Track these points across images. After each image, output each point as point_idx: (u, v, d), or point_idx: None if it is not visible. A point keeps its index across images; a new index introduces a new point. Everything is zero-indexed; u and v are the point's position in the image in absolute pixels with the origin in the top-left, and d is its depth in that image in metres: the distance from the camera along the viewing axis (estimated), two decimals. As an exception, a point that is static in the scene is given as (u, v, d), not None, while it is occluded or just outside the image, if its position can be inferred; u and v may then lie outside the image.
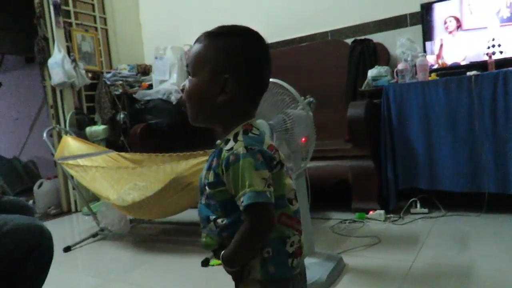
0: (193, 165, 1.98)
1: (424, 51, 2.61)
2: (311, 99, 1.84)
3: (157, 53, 3.73)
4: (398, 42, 2.91)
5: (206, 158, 1.93)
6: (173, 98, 3.46)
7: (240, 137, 0.74)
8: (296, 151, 1.66)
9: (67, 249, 2.34)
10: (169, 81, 3.65)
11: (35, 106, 5.40)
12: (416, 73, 2.49)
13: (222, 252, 0.78)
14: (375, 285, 1.54)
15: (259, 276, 0.75)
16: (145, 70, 4.02)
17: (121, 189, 2.28)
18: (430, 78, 2.38)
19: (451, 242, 1.93)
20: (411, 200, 2.40)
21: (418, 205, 2.39)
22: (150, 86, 3.76)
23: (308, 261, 1.61)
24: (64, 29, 3.51)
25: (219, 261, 1.45)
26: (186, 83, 0.80)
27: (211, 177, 0.77)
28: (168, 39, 3.91)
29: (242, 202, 0.69)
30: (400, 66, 2.50)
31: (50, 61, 3.35)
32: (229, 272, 0.80)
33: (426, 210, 2.36)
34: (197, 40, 0.81)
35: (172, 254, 2.11)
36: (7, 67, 5.48)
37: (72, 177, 2.67)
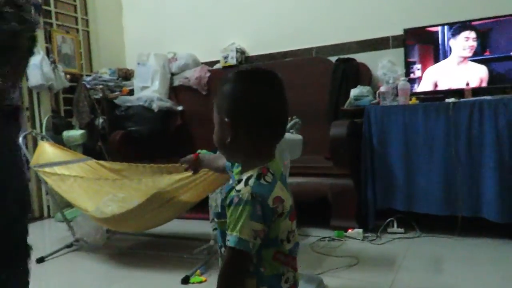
0: (175, 180, 1.96)
1: (406, 74, 2.69)
2: (297, 119, 1.87)
3: (140, 59, 3.69)
4: (380, 64, 2.99)
5: (189, 174, 1.93)
6: (155, 106, 3.42)
7: (250, 182, 0.78)
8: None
9: (40, 260, 2.26)
10: (151, 88, 3.62)
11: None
12: (397, 96, 2.56)
13: None
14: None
15: None
16: (126, 75, 3.95)
17: (99, 200, 2.22)
18: (410, 102, 2.46)
19: (427, 264, 1.98)
20: (388, 220, 2.46)
21: (395, 225, 2.45)
22: (131, 92, 3.72)
23: (289, 282, 1.63)
24: (44, 30, 3.42)
25: (201, 278, 1.45)
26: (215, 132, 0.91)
27: (219, 208, 0.84)
28: (151, 45, 3.87)
29: (228, 241, 0.76)
30: (382, 89, 2.57)
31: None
32: None
33: (402, 230, 2.42)
34: (223, 87, 0.88)
35: (151, 270, 2.08)
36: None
37: (46, 183, 2.59)
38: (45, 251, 2.39)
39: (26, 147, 3.02)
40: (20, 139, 2.66)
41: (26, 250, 1.07)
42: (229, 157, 0.90)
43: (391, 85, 2.58)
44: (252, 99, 0.82)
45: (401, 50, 2.87)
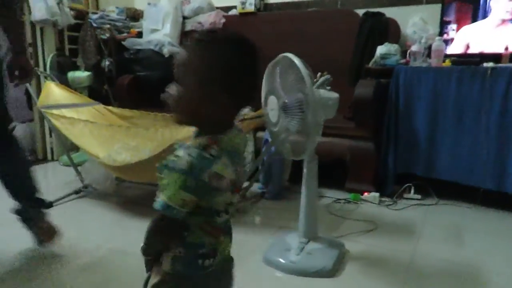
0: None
1: (440, 34, 2.51)
2: (328, 75, 1.73)
3: (152, -1, 3.44)
4: (411, 21, 2.80)
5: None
6: (166, 51, 3.24)
7: (193, 152, 0.72)
8: (310, 134, 1.56)
9: (49, 205, 2.20)
10: (161, 31, 3.41)
11: (4, 41, 4.95)
12: (428, 56, 2.41)
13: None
14: (379, 276, 1.53)
15: (167, 269, 0.82)
16: (135, 16, 3.72)
17: (111, 147, 2.13)
18: (443, 64, 2.31)
19: (447, 234, 1.94)
20: (405, 185, 2.40)
21: (412, 191, 2.39)
22: (139, 34, 3.51)
23: (311, 246, 1.59)
24: (48, -41, 3.14)
25: None
26: (172, 88, 0.79)
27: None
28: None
29: (155, 202, 0.74)
30: (414, 48, 2.40)
31: (31, -6, 3.01)
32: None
33: (419, 197, 2.37)
34: (186, 47, 0.81)
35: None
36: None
37: (53, 125, 2.47)
38: (53, 196, 2.31)
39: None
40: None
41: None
42: (195, 125, 0.81)
43: (423, 45, 2.41)
44: (240, 68, 0.77)
45: (435, 7, 2.67)
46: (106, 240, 1.85)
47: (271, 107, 1.51)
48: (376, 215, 2.13)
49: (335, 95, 1.55)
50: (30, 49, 3.21)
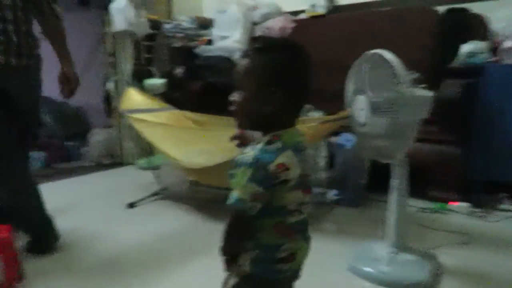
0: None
1: (538, 28, 2.27)
2: (417, 74, 1.61)
3: (221, 6, 3.51)
4: (500, 15, 2.57)
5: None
6: (236, 57, 3.26)
7: (258, 146, 0.79)
8: (402, 136, 1.46)
9: (131, 205, 2.29)
10: (231, 38, 3.45)
11: (85, 53, 5.32)
12: (524, 53, 2.19)
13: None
14: (482, 294, 1.38)
15: (247, 269, 0.83)
16: (205, 24, 3.81)
17: (188, 150, 2.17)
18: (544, 61, 2.08)
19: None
20: (501, 195, 2.18)
21: (508, 202, 2.17)
22: (209, 42, 3.58)
23: (402, 257, 1.48)
24: (127, -27, 3.32)
25: None
26: (235, 95, 0.85)
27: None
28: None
29: (229, 199, 0.79)
30: (506, 44, 2.20)
31: (113, 7, 3.19)
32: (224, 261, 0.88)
33: (516, 208, 2.14)
34: (244, 56, 0.85)
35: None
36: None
37: (135, 129, 2.59)
38: (132, 197, 2.41)
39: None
40: (109, 83, 2.66)
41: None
42: (257, 128, 0.86)
43: (517, 40, 2.20)
44: (295, 67, 0.83)
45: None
46: (182, 240, 1.87)
47: (360, 107, 1.43)
48: (468, 227, 1.95)
49: (429, 93, 1.43)
50: (111, 59, 3.42)
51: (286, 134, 0.81)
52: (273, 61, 0.81)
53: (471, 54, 2.38)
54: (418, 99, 1.40)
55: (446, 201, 2.21)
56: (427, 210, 2.18)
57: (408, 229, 1.59)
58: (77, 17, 5.26)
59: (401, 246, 1.52)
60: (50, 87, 5.32)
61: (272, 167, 0.76)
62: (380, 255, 1.51)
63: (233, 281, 0.87)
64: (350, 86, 1.54)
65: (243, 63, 0.84)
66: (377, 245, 1.58)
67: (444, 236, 1.85)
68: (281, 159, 0.77)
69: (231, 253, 0.86)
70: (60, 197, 2.59)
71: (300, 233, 0.85)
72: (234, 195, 0.77)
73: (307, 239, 0.87)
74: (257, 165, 0.76)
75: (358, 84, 1.46)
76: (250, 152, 0.78)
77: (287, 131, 0.82)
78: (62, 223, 1.83)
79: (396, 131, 1.39)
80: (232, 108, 0.85)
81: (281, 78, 0.81)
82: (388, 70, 1.39)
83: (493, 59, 2.30)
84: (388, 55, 1.35)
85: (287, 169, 0.78)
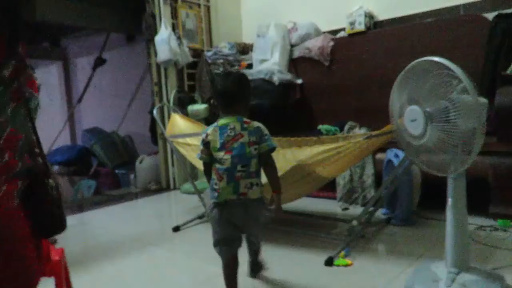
0: (318, 152, 1.78)
1: None
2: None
3: (260, 31, 3.57)
4: (556, 17, 2.40)
5: (332, 146, 1.73)
6: (276, 79, 3.28)
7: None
8: (457, 146, 1.36)
9: (176, 228, 2.31)
10: (270, 61, 3.48)
11: (133, 84, 5.61)
12: None
13: None
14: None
15: None
16: (244, 49, 3.88)
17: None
18: None
19: None
20: None
21: None
22: (249, 66, 3.64)
23: (464, 278, 1.35)
24: (170, 6, 3.49)
25: (346, 261, 1.73)
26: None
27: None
28: (267, 16, 3.73)
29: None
30: None
31: (157, 38, 3.35)
32: None
33: None
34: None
35: (288, 247, 1.95)
36: (110, 45, 5.73)
37: (177, 154, 2.63)
38: (177, 221, 2.43)
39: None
40: (154, 111, 2.75)
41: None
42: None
43: None
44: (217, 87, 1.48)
45: None
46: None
47: (412, 117, 1.36)
48: (537, 245, 1.77)
49: (483, 100, 1.34)
50: (156, 88, 3.56)
51: (221, 119, 1.43)
52: (248, 85, 1.53)
53: (527, 60, 2.23)
54: (473, 107, 1.31)
55: (509, 217, 2.03)
56: (489, 228, 2.01)
57: (469, 248, 1.47)
58: (126, 51, 5.60)
59: (463, 266, 1.39)
60: (101, 119, 5.61)
61: (204, 135, 1.44)
62: (439, 276, 1.39)
63: None
64: (397, 98, 1.47)
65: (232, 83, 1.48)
66: (436, 265, 1.46)
67: (509, 255, 1.68)
68: (208, 131, 1.43)
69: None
70: (110, 222, 2.68)
71: (226, 178, 1.38)
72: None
73: (231, 181, 1.37)
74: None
75: (409, 94, 1.40)
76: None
77: (222, 117, 1.43)
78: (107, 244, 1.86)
79: (452, 142, 1.31)
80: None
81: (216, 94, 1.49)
82: (441, 78, 1.33)
83: (552, 63, 2.14)
84: (445, 60, 1.29)
85: (207, 135, 1.42)
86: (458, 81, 1.33)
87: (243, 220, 1.41)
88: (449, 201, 1.41)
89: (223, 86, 1.44)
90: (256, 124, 1.43)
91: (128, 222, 2.67)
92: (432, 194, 2.10)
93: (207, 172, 1.45)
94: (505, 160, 2.09)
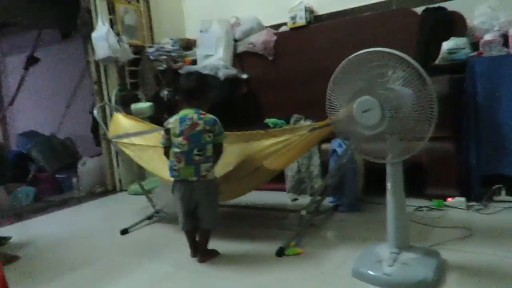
0: (265, 146, 1.80)
1: (515, 19, 2.31)
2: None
3: (203, 26, 3.53)
4: (477, 11, 2.61)
5: (279, 139, 1.77)
6: (221, 74, 3.27)
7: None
8: (395, 133, 1.45)
9: (124, 231, 2.24)
10: (215, 56, 3.46)
11: (71, 83, 5.31)
12: (504, 45, 2.21)
13: None
14: (491, 287, 1.35)
15: None
16: (188, 45, 3.82)
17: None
18: (525, 50, 2.11)
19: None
20: (495, 186, 2.17)
21: (503, 193, 2.16)
22: (193, 62, 3.59)
23: (405, 256, 1.45)
24: (106, 1, 3.34)
25: (297, 250, 1.79)
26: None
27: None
28: (210, 12, 3.71)
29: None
30: (488, 37, 2.23)
31: (94, 35, 3.20)
32: None
33: (512, 198, 2.13)
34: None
35: (240, 241, 1.97)
36: (44, 43, 5.38)
37: (122, 155, 2.55)
38: (125, 223, 2.36)
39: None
40: (95, 111, 2.63)
41: None
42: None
43: (496, 33, 2.23)
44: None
45: (503, -7, 2.48)
46: (183, 262, 1.81)
47: (363, 108, 1.39)
48: (468, 221, 1.93)
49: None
50: (96, 87, 3.40)
51: (182, 112, 1.72)
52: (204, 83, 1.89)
53: (453, 51, 2.41)
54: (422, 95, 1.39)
55: (443, 197, 2.20)
56: (425, 208, 2.16)
57: (409, 228, 1.57)
58: (61, 49, 5.28)
59: (403, 246, 1.49)
60: (37, 121, 5.28)
61: (166, 123, 1.75)
62: (383, 257, 1.47)
63: None
64: (340, 89, 1.51)
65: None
66: (380, 247, 1.55)
67: (444, 232, 1.82)
68: (170, 120, 1.73)
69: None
70: (53, 229, 2.54)
71: (184, 160, 1.67)
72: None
73: (189, 164, 1.67)
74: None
75: (356, 85, 1.44)
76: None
77: (183, 111, 1.72)
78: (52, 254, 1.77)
79: (398, 130, 1.39)
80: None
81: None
82: (379, 69, 1.40)
83: (474, 53, 2.32)
84: (399, 52, 1.35)
85: (169, 124, 1.72)
86: (392, 72, 1.41)
87: (202, 196, 1.70)
88: (388, 185, 1.50)
89: (185, 84, 1.78)
90: (212, 116, 1.74)
91: (73, 228, 2.54)
92: (376, 180, 2.21)
93: (167, 154, 1.75)
94: (437, 145, 2.23)
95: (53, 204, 3.27)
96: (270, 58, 3.38)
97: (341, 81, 1.51)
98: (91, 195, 3.43)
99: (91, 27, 3.28)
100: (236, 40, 3.53)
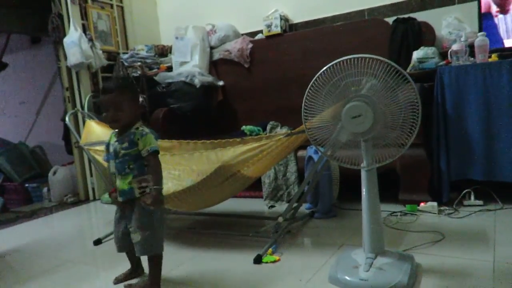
0: (241, 152, 1.80)
1: (480, 30, 2.41)
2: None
3: (178, 33, 3.52)
4: (444, 22, 2.73)
5: (255, 145, 1.77)
6: (197, 81, 3.26)
7: (147, 129, 1.54)
8: (380, 138, 1.47)
9: (97, 241, 2.18)
10: (190, 63, 3.46)
11: (41, 89, 5.17)
12: (470, 54, 2.31)
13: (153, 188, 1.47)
14: (462, 289, 1.39)
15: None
16: (163, 52, 3.80)
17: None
18: (490, 60, 2.20)
19: (523, 238, 1.77)
20: (464, 191, 2.24)
21: (472, 197, 2.24)
22: (169, 68, 3.57)
23: (380, 261, 1.47)
24: (79, 6, 3.28)
25: (274, 257, 1.74)
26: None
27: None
28: (186, 18, 3.70)
29: (151, 148, 1.48)
30: (454, 47, 2.31)
31: (66, 40, 3.13)
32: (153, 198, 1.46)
33: (481, 202, 2.21)
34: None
35: (218, 250, 1.95)
36: (12, 47, 5.22)
37: (95, 163, 2.49)
38: (99, 233, 2.30)
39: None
40: (67, 118, 2.56)
41: None
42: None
43: (463, 43, 2.32)
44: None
45: (468, 5, 2.60)
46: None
47: (353, 114, 1.40)
48: (440, 225, 1.98)
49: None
50: (68, 93, 3.32)
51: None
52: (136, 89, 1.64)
53: (423, 60, 2.49)
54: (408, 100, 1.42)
55: (416, 202, 2.25)
56: (399, 213, 2.20)
57: (383, 233, 1.60)
58: (31, 55, 5.14)
59: (379, 250, 1.51)
60: (5, 129, 5.11)
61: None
62: (359, 262, 1.49)
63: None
64: (321, 96, 1.50)
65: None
66: (355, 252, 1.57)
67: (418, 236, 1.86)
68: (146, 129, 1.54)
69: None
70: (21, 241, 2.44)
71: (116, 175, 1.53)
72: (154, 146, 1.48)
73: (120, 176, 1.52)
74: (153, 134, 1.53)
75: (341, 91, 1.45)
76: (146, 130, 1.52)
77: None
78: (21, 268, 1.70)
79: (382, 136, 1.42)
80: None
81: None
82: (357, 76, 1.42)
83: (443, 63, 2.41)
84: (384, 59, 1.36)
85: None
86: (366, 80, 1.44)
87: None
88: (363, 191, 1.52)
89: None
90: None
91: (43, 240, 2.45)
92: (351, 186, 2.25)
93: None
94: (409, 151, 2.28)
95: (22, 215, 3.15)
96: (246, 65, 3.40)
97: (321, 87, 1.51)
98: (63, 205, 3.33)
99: (62, 33, 3.21)
100: (212, 47, 3.54)
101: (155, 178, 1.46)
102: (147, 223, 1.48)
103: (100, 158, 2.28)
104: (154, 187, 1.44)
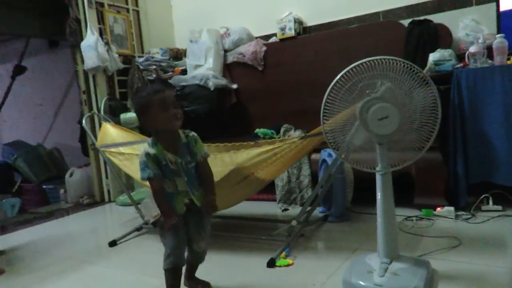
0: (255, 155, 1.80)
1: (498, 31, 2.37)
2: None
3: (192, 36, 3.54)
4: (461, 24, 2.68)
5: (269, 147, 1.76)
6: (211, 84, 3.28)
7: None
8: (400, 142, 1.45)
9: (112, 243, 2.20)
10: (204, 66, 3.47)
11: (59, 92, 5.27)
12: (488, 56, 2.26)
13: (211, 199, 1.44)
14: (480, 296, 1.36)
15: None
16: (177, 55, 3.83)
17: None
18: (508, 62, 2.15)
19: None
20: (482, 196, 2.20)
21: (491, 202, 2.19)
22: (183, 72, 3.59)
23: (395, 266, 1.44)
24: (96, 10, 3.34)
25: (287, 261, 1.72)
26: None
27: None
28: (200, 22, 3.72)
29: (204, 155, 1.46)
30: (472, 49, 2.27)
31: (83, 44, 3.18)
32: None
33: (500, 208, 2.16)
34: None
35: (230, 253, 1.95)
36: (31, 51, 5.33)
37: (110, 165, 2.53)
38: (114, 235, 2.32)
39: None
40: (83, 121, 2.61)
41: None
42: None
43: (481, 45, 2.28)
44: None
45: (486, 6, 2.56)
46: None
47: (380, 115, 1.39)
48: (456, 231, 1.94)
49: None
50: (84, 96, 3.37)
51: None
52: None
53: (439, 62, 2.45)
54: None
55: (432, 207, 2.21)
56: (415, 218, 2.17)
57: (398, 238, 1.57)
58: (49, 58, 5.24)
59: (394, 255, 1.49)
60: (24, 131, 5.20)
61: None
62: (373, 267, 1.47)
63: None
64: (342, 97, 1.48)
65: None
66: (370, 257, 1.55)
67: (434, 242, 1.83)
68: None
69: None
70: (38, 241, 2.48)
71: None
72: (205, 150, 1.51)
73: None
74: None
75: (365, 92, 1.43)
76: (191, 132, 1.53)
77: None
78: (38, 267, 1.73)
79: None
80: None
81: None
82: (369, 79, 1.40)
83: (460, 65, 2.37)
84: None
85: None
86: (381, 82, 1.42)
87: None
88: (378, 195, 1.50)
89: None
90: None
91: (60, 241, 2.49)
92: (365, 190, 2.23)
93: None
94: (425, 155, 2.25)
95: (40, 216, 3.21)
96: (259, 68, 3.40)
97: (339, 89, 1.49)
98: (79, 206, 3.38)
99: (80, 36, 3.26)
100: (226, 51, 3.55)
101: (212, 186, 1.45)
102: (210, 230, 1.49)
103: (116, 159, 2.30)
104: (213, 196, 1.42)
